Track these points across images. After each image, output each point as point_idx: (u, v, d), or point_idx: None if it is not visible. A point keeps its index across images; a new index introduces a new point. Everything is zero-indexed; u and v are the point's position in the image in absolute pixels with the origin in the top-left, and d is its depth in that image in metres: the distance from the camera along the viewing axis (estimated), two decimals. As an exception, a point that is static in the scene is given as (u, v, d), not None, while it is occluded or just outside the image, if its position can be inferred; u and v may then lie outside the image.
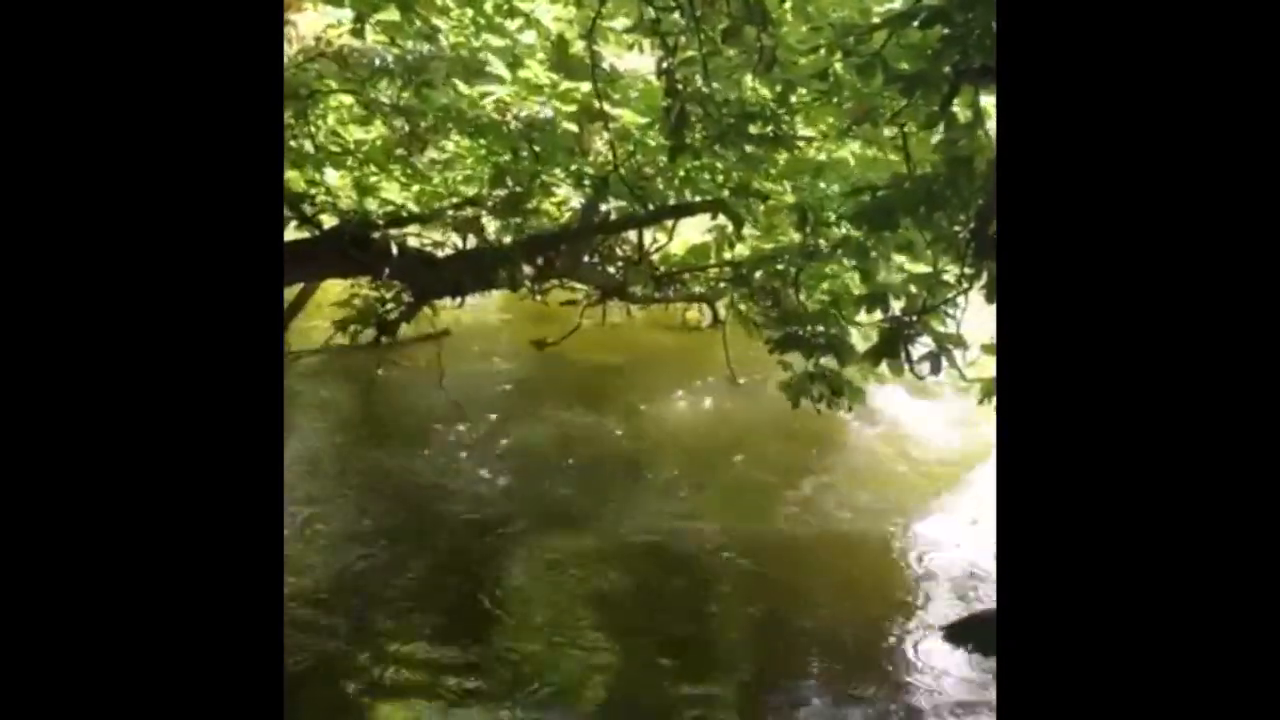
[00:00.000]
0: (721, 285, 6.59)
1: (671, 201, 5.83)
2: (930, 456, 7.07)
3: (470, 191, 5.96)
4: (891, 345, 4.23)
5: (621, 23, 4.69)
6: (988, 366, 4.05)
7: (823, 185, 5.25)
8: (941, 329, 4.39)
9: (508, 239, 5.73)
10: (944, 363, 4.33)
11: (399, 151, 5.62)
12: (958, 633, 4.65)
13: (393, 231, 5.65)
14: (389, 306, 5.99)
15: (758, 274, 5.85)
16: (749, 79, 4.46)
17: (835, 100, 4.41)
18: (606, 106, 4.80)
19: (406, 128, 5.36)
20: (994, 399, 2.97)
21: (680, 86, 4.06)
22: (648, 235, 6.36)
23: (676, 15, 3.83)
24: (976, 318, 4.01)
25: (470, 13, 5.19)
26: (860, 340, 4.96)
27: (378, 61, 4.95)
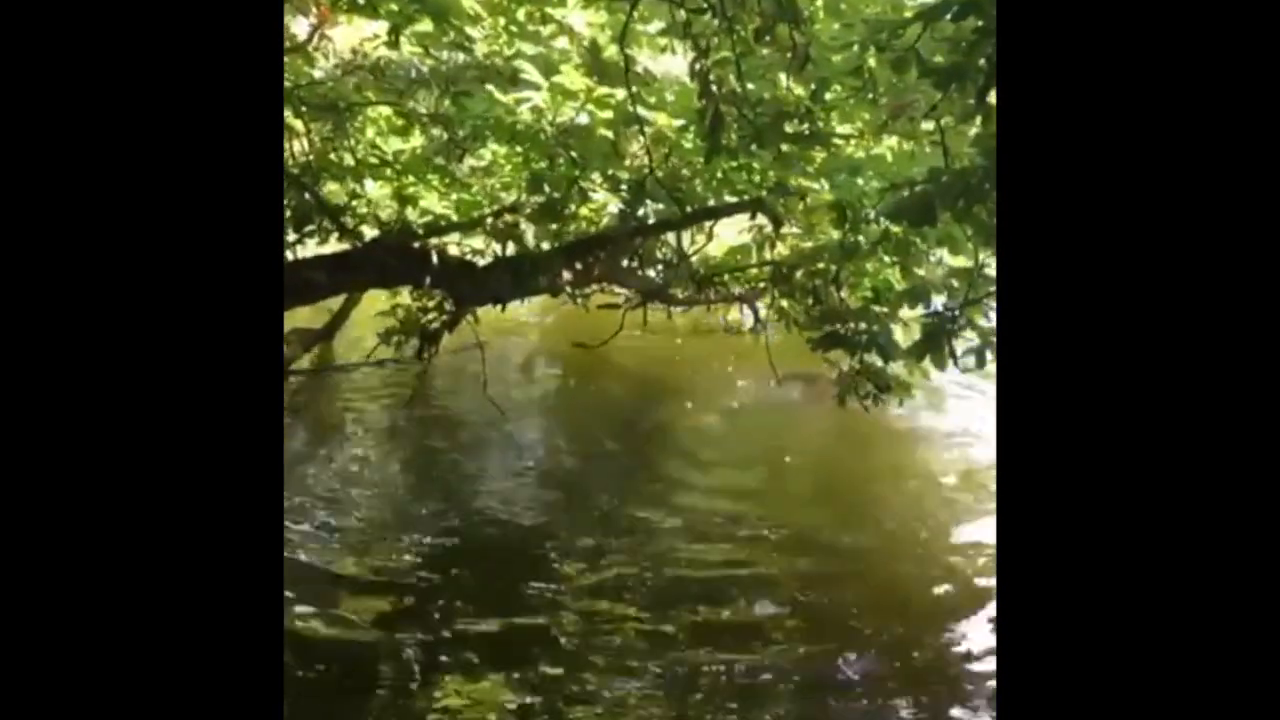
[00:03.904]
0: (762, 285, 6.59)
1: (710, 203, 5.82)
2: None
3: (508, 198, 5.99)
4: (935, 340, 4.20)
5: (654, 26, 4.70)
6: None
7: (860, 182, 5.22)
8: (985, 322, 4.36)
9: (547, 245, 5.74)
10: (988, 356, 4.30)
11: (437, 161, 5.66)
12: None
13: (433, 240, 5.70)
14: (431, 316, 6.03)
15: (798, 273, 5.84)
16: (783, 78, 4.45)
17: (870, 96, 4.39)
18: (641, 110, 4.80)
19: (445, 136, 5.40)
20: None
21: (714, 88, 4.05)
22: (686, 237, 6.35)
23: (708, 16, 3.82)
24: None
25: (503, 21, 5.22)
26: (904, 336, 4.94)
27: (414, 72, 4.99)
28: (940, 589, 5.22)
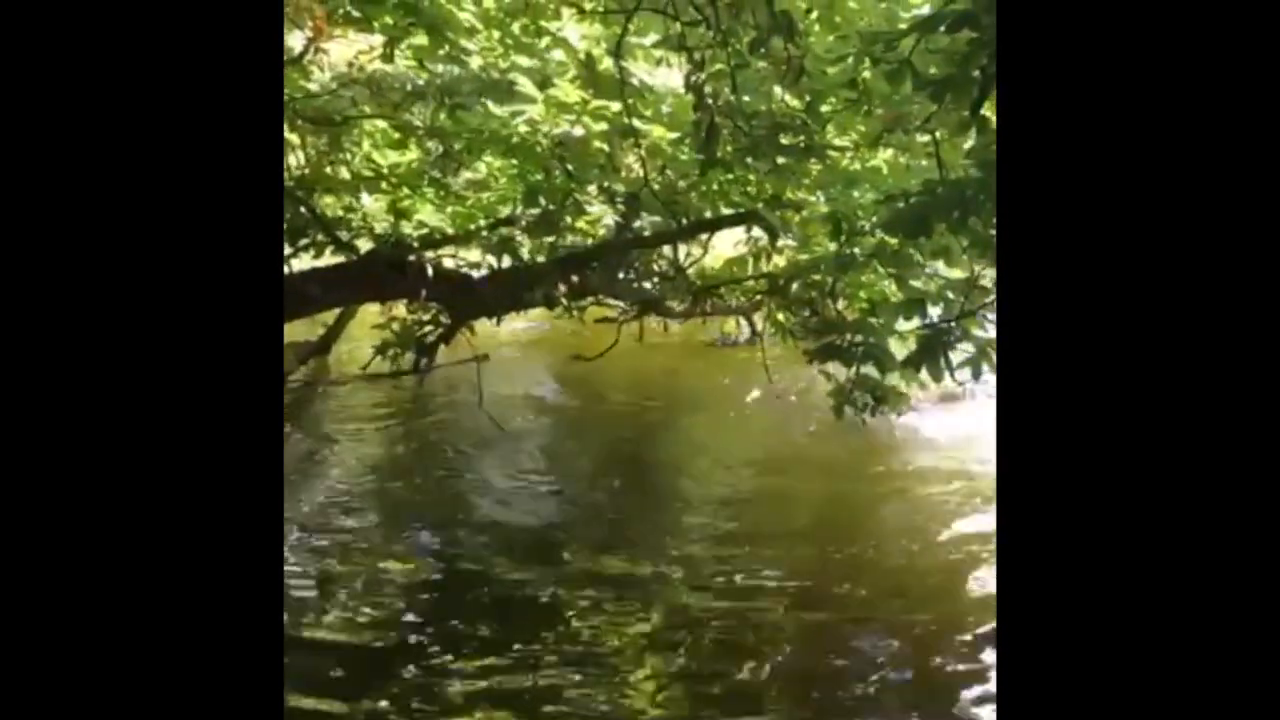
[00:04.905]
0: (758, 297, 6.59)
1: (705, 215, 5.82)
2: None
3: (504, 211, 6.00)
4: (931, 352, 4.20)
5: (649, 39, 4.71)
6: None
7: (856, 194, 5.23)
8: (981, 333, 4.36)
9: (542, 258, 5.74)
10: (984, 368, 4.30)
11: (433, 174, 5.67)
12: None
13: (428, 254, 5.69)
14: (427, 329, 6.02)
15: (794, 285, 5.84)
16: (778, 90, 4.45)
17: (865, 108, 4.40)
18: (637, 123, 4.81)
19: (440, 150, 5.40)
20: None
21: (710, 100, 4.06)
22: (682, 250, 6.36)
23: (703, 29, 3.82)
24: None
25: (498, 34, 5.22)
26: (900, 347, 4.93)
27: (409, 85, 4.99)
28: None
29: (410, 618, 4.87)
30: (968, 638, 4.70)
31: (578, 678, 4.29)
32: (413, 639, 4.62)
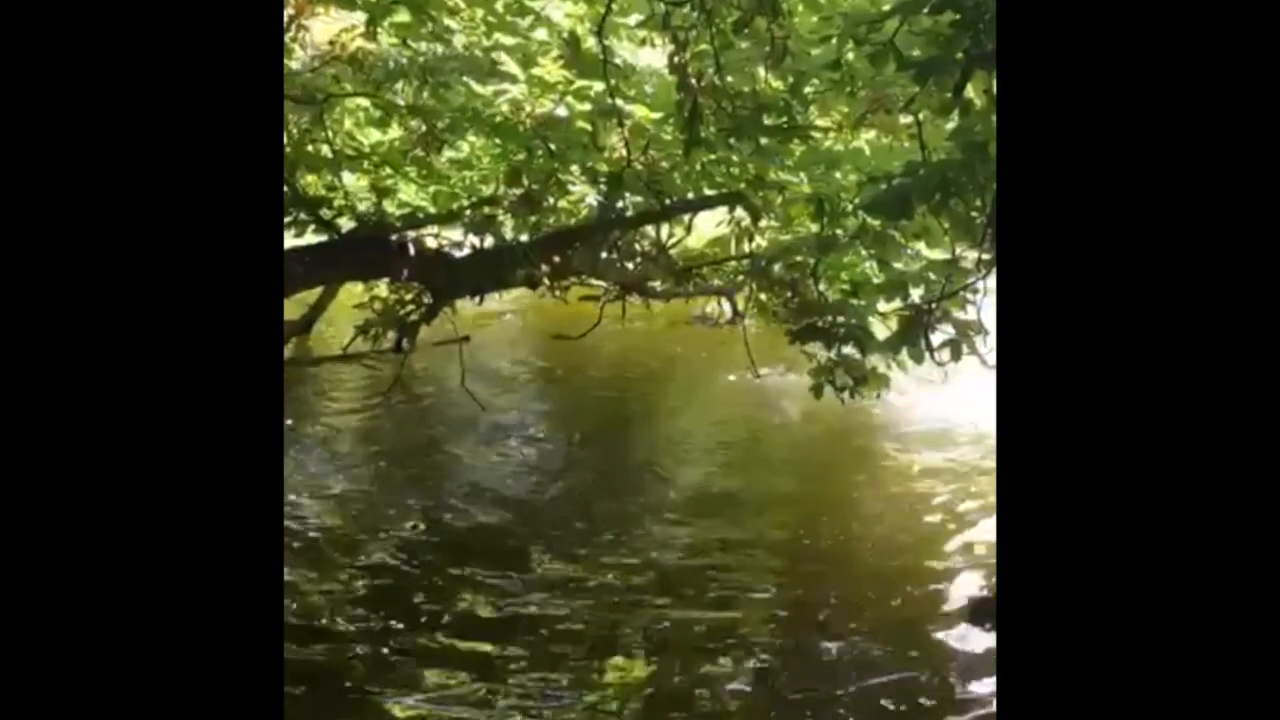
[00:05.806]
0: (740, 278, 6.59)
1: (688, 196, 5.82)
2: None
3: (486, 191, 5.98)
4: (912, 333, 4.22)
5: (633, 18, 4.70)
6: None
7: (838, 175, 5.23)
8: (961, 315, 4.39)
9: (525, 237, 5.73)
10: (964, 349, 4.33)
11: (415, 153, 5.65)
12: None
13: (410, 233, 5.68)
14: (409, 308, 6.01)
15: (776, 266, 5.84)
16: (762, 71, 4.45)
17: (848, 90, 4.40)
18: (620, 102, 4.80)
19: (423, 128, 5.38)
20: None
21: (693, 81, 4.06)
22: (665, 230, 6.35)
23: (687, 9, 3.82)
24: (997, 303, 3.98)
25: (481, 12, 5.20)
26: (881, 328, 4.96)
27: (392, 64, 4.96)
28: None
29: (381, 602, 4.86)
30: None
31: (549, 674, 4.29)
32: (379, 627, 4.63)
